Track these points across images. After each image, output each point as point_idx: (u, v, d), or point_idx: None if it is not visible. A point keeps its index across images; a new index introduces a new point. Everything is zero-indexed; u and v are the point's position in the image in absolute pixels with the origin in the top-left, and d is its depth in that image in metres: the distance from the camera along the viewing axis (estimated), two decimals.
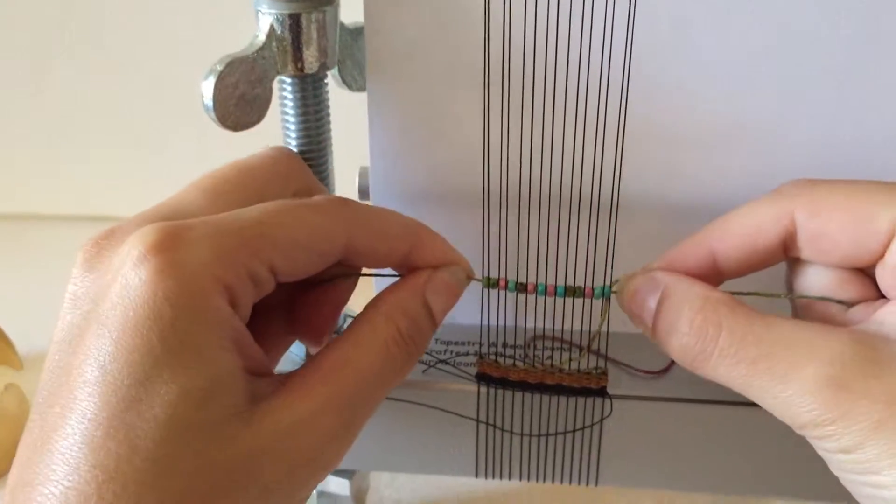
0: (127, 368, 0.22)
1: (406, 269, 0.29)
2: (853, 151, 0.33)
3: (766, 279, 0.29)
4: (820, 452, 0.24)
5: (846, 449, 0.23)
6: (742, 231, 0.27)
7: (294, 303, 0.29)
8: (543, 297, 0.34)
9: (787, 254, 0.27)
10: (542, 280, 0.34)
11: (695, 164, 0.35)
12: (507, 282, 0.32)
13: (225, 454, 0.22)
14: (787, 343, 0.24)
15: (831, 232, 0.26)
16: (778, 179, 0.34)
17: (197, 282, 0.23)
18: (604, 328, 0.34)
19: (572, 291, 0.32)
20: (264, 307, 0.26)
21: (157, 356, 0.22)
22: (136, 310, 0.22)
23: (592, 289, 0.32)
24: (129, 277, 0.22)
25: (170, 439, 0.21)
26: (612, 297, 0.30)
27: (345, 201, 0.27)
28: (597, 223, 0.33)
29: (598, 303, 0.34)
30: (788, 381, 0.23)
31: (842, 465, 0.23)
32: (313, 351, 0.30)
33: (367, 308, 0.27)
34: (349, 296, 0.30)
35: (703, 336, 0.25)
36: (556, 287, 0.31)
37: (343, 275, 0.29)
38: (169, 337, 0.22)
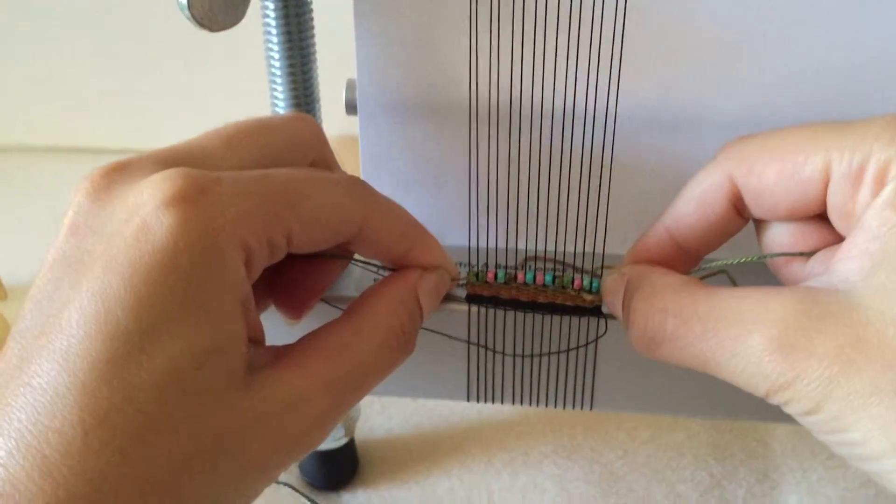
0: (133, 314, 0.21)
1: (398, 266, 0.29)
2: (869, 56, 0.32)
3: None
4: (798, 420, 0.23)
5: (809, 411, 0.22)
6: (691, 208, 0.27)
7: (280, 271, 0.29)
8: (535, 220, 0.33)
9: (743, 217, 0.27)
10: (532, 196, 0.33)
11: (695, 76, 0.33)
12: (496, 273, 0.32)
13: (217, 420, 0.21)
14: (732, 315, 0.23)
15: (769, 187, 0.25)
16: (782, 93, 0.33)
17: (220, 239, 0.22)
18: (598, 250, 0.33)
19: (561, 282, 0.32)
20: None
21: (167, 308, 0.21)
22: (153, 255, 0.21)
23: (582, 279, 0.32)
24: (149, 220, 0.21)
25: (166, 395, 0.21)
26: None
27: (365, 184, 0.27)
28: (591, 139, 0.32)
29: (591, 224, 0.33)
30: (738, 352, 0.23)
31: (814, 427, 0.22)
32: (290, 324, 0.30)
33: (367, 297, 0.27)
34: (337, 276, 0.30)
35: (650, 324, 0.25)
36: (545, 275, 0.32)
37: (337, 256, 0.29)
38: (182, 290, 0.21)
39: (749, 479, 0.44)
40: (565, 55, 0.31)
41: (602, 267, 0.31)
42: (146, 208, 0.22)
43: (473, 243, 0.34)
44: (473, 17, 0.30)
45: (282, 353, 0.24)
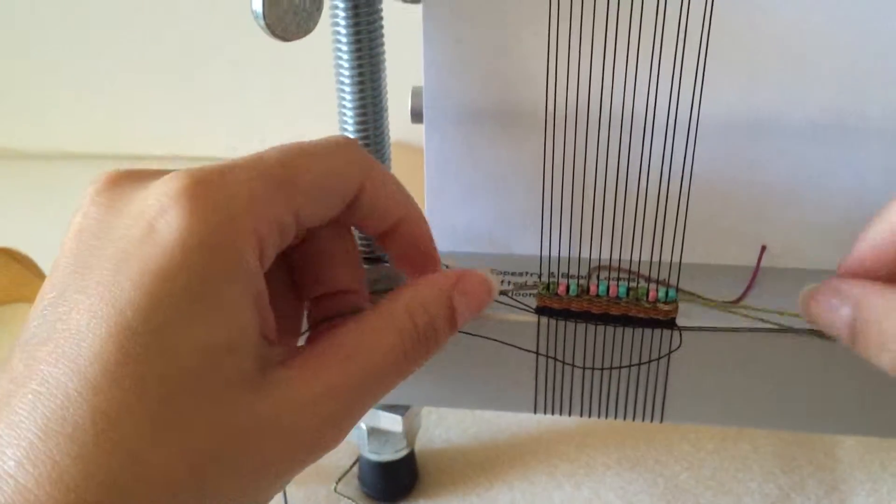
0: (143, 314, 0.20)
1: (388, 244, 0.28)
2: None
3: None
4: None
5: None
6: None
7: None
8: (610, 230, 0.33)
9: None
10: (608, 201, 0.32)
11: (776, 83, 0.32)
12: (567, 285, 0.32)
13: (231, 420, 0.21)
14: None
15: None
16: (871, 97, 0.32)
17: (231, 230, 0.22)
18: (675, 258, 0.32)
19: (636, 294, 0.31)
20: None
21: (179, 306, 0.20)
22: (163, 255, 0.21)
23: (657, 290, 0.31)
24: (158, 222, 0.21)
25: (179, 395, 0.20)
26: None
27: (357, 144, 0.26)
28: (672, 145, 0.31)
29: (669, 233, 0.32)
30: None
31: None
32: None
33: (388, 298, 0.26)
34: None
35: None
36: (618, 286, 0.31)
37: (350, 313, 0.28)
38: (194, 288, 0.21)
39: (818, 491, 0.43)
40: (648, 61, 0.30)
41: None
42: (153, 210, 0.21)
43: (545, 253, 0.33)
44: (553, 20, 0.29)
45: (296, 353, 0.24)
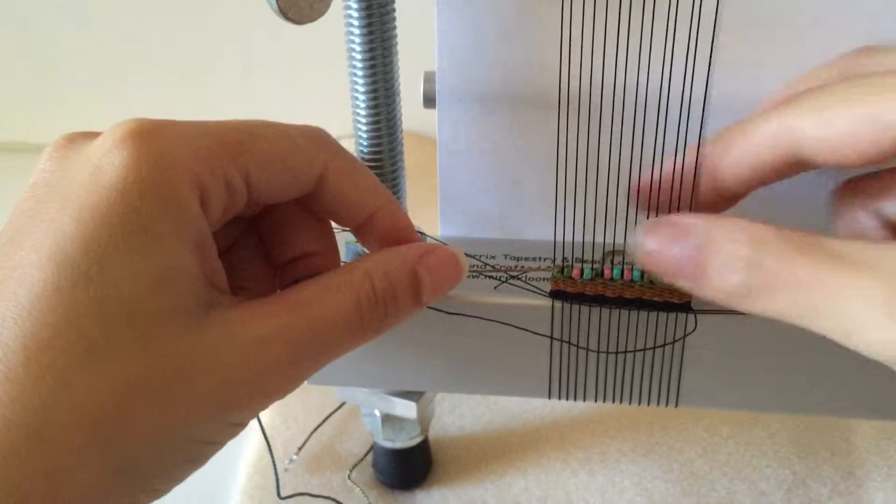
0: (83, 247, 0.21)
1: (363, 234, 0.28)
2: None
3: None
4: None
5: None
6: (744, 148, 0.27)
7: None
8: (624, 213, 0.32)
9: (799, 167, 0.26)
10: (621, 189, 0.32)
11: (792, 62, 0.32)
12: (581, 269, 0.32)
13: (165, 349, 0.21)
14: (845, 266, 0.21)
15: (839, 133, 0.23)
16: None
17: (170, 172, 0.22)
18: None
19: (650, 277, 0.31)
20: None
21: (115, 238, 0.21)
22: (103, 192, 0.22)
23: None
24: (102, 162, 0.22)
25: (111, 321, 0.21)
26: None
27: (326, 133, 0.27)
28: (686, 129, 0.31)
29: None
30: (851, 303, 0.21)
31: None
32: None
33: (352, 261, 0.27)
34: None
35: (754, 274, 0.23)
36: (632, 270, 0.31)
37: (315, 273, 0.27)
38: (132, 221, 0.22)
39: (833, 476, 0.42)
40: (662, 45, 0.30)
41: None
42: (98, 153, 0.22)
43: (558, 237, 0.33)
44: (567, 3, 0.29)
45: (247, 301, 0.24)
